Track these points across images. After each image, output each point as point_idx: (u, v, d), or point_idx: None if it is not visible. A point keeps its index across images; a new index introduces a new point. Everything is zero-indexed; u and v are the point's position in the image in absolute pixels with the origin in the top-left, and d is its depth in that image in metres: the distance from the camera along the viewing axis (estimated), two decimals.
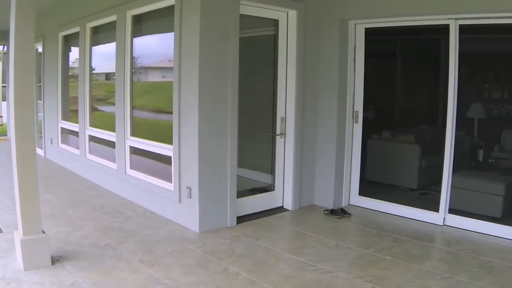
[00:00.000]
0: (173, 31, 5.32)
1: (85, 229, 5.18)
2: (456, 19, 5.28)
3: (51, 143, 9.39)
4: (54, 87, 9.02)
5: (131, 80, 6.38)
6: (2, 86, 10.82)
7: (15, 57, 3.90)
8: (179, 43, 5.23)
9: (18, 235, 4.08)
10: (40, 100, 10.20)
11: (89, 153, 7.70)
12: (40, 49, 10.23)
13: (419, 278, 4.12)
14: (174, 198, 5.47)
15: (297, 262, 4.46)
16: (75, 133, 8.23)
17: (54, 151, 9.28)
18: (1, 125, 16.20)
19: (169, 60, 5.71)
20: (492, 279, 4.11)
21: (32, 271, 3.99)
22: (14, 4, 3.86)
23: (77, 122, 8.08)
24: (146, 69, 6.55)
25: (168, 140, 5.61)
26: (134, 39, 6.31)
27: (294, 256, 4.63)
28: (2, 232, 5.05)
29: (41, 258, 4.11)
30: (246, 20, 5.45)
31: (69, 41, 8.64)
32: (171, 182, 5.55)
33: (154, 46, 6.37)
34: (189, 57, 5.12)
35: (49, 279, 3.88)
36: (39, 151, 10.21)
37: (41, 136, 10.51)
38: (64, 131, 8.85)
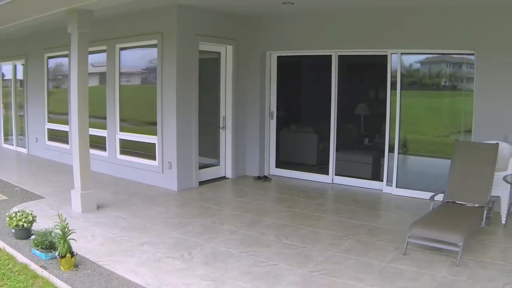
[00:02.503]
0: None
1: (101, 194, 7.60)
2: (336, 52, 8.47)
3: (36, 142, 11.46)
4: (41, 97, 11.22)
5: (120, 88, 8.99)
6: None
7: (78, 76, 6.47)
8: (161, 68, 7.99)
9: (77, 191, 6.66)
10: None
11: None
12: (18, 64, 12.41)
13: (314, 206, 7.24)
14: (158, 170, 8.25)
15: (242, 201, 7.49)
16: (61, 132, 10.50)
17: (40, 148, 11.35)
18: None
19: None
20: (358, 205, 7.28)
21: (87, 213, 6.58)
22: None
23: (60, 123, 10.58)
24: (130, 75, 9.23)
25: (150, 132, 8.38)
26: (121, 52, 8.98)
27: (240, 199, 7.68)
28: (44, 198, 7.51)
29: (91, 205, 6.74)
30: (201, 52, 8.26)
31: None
32: (155, 160, 8.31)
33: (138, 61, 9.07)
34: (169, 76, 7.88)
35: (100, 215, 6.52)
36: (21, 150, 12.24)
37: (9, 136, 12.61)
38: (49, 131, 11.06)
